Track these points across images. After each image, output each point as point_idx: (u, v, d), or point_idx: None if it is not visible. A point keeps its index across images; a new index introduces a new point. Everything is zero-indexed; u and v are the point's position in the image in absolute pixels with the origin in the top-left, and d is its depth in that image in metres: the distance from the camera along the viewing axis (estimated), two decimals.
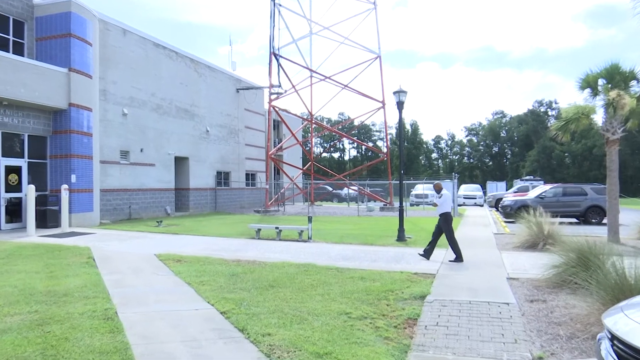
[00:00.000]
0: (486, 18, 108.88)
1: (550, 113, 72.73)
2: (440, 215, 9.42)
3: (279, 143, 33.19)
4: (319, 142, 76.76)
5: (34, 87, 14.56)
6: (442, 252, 9.91)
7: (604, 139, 11.41)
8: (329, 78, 28.15)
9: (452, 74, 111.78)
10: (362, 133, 79.07)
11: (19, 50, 15.66)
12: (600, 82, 11.41)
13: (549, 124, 58.86)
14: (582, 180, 50.71)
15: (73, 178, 15.74)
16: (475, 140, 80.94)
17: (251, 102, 30.05)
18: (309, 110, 31.58)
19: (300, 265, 8.36)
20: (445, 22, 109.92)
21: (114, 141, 18.78)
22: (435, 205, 9.70)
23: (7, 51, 14.99)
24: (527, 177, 41.77)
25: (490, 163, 78.56)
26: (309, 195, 30.72)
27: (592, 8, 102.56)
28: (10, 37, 15.52)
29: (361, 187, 29.68)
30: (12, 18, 15.56)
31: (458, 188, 28.74)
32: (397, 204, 18.29)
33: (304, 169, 32.66)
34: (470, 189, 36.56)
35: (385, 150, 36.43)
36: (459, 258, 9.03)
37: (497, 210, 24.69)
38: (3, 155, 14.56)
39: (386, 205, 27.42)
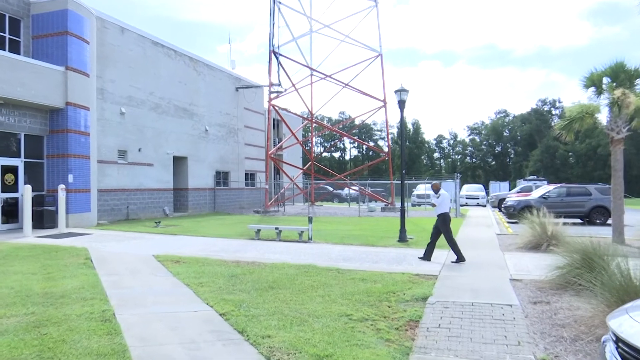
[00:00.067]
0: (489, 15, 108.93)
1: (554, 112, 72.77)
2: (438, 215, 9.42)
3: (278, 142, 33.21)
4: (319, 141, 76.81)
5: (31, 85, 14.56)
6: (444, 254, 9.91)
7: (609, 138, 11.41)
8: (330, 77, 28.15)
9: (455, 73, 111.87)
10: (363, 132, 79.10)
11: (15, 48, 15.66)
12: (605, 80, 11.40)
13: (552, 123, 58.77)
14: (587, 180, 50.69)
15: (70, 178, 15.75)
16: (478, 140, 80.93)
17: (251, 101, 30.06)
18: (309, 109, 31.58)
19: (300, 267, 8.36)
20: (448, 19, 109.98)
21: (111, 141, 18.78)
22: (433, 205, 9.71)
23: (3, 49, 15.00)
24: (531, 177, 41.77)
25: (493, 163, 78.54)
26: (309, 195, 30.72)
27: (596, 5, 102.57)
28: (7, 35, 15.53)
29: (362, 187, 29.68)
30: (8, 16, 15.57)
31: (460, 188, 28.75)
32: (398, 205, 18.29)
33: (304, 168, 32.66)
34: (472, 189, 36.57)
35: (386, 149, 36.40)
36: (460, 258, 9.03)
37: (500, 210, 24.67)
38: None
39: (387, 205, 27.42)
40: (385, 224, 17.60)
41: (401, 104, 12.94)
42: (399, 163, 55.57)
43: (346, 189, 34.60)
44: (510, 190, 37.17)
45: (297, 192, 32.66)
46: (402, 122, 14.09)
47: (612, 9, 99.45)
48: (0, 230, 14.34)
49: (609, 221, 14.55)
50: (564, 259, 6.83)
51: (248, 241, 12.40)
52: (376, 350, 4.33)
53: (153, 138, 21.18)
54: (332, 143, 71.95)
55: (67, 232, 14.09)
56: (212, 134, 26.04)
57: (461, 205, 27.20)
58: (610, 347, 3.05)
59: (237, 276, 7.57)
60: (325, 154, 75.02)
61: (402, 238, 12.18)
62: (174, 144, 22.69)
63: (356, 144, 79.35)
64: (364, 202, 29.47)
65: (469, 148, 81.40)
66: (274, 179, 34.00)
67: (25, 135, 15.33)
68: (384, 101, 28.40)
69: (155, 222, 17.08)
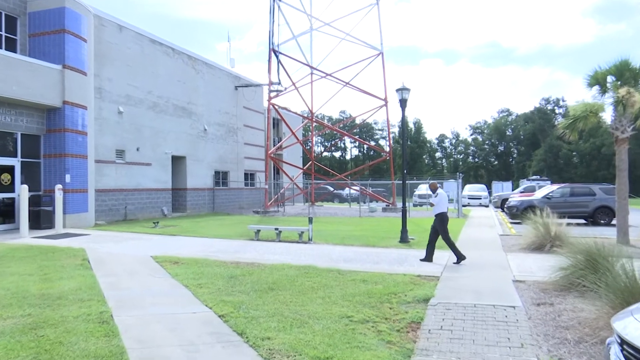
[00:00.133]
0: (491, 13, 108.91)
1: (557, 111, 72.75)
2: (436, 215, 9.45)
3: (278, 142, 33.21)
4: (319, 141, 76.83)
5: (27, 84, 14.57)
6: (446, 254, 9.91)
7: (613, 137, 11.40)
8: (330, 75, 28.15)
9: (457, 71, 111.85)
10: (364, 132, 79.11)
11: (11, 46, 15.67)
12: (609, 79, 11.39)
13: (556, 122, 58.92)
14: (591, 180, 50.67)
15: (67, 178, 15.76)
16: (480, 139, 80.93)
17: (250, 100, 30.07)
18: (309, 108, 31.59)
19: (300, 268, 8.36)
20: (450, 17, 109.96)
21: (109, 140, 18.79)
22: (432, 205, 9.72)
23: (0, 47, 15.00)
24: (534, 177, 41.74)
25: (496, 162, 78.54)
26: (309, 195, 30.72)
27: (600, 3, 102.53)
28: (3, 33, 15.54)
29: (363, 187, 29.68)
30: (4, 13, 15.57)
31: (463, 188, 28.74)
32: (399, 205, 18.29)
33: (304, 168, 32.66)
34: (475, 189, 36.56)
35: (387, 149, 36.39)
36: (460, 257, 9.05)
37: (503, 210, 24.68)
38: None
39: (389, 205, 27.42)
40: (386, 225, 17.60)
41: (402, 102, 12.93)
42: (400, 163, 55.59)
43: (347, 189, 34.60)
44: (513, 190, 37.13)
45: (297, 192, 32.67)
46: (404, 121, 14.09)
47: (616, 6, 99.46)
48: None
49: (614, 221, 14.56)
50: (568, 260, 6.83)
51: (247, 242, 12.40)
52: (377, 352, 4.33)
53: (151, 137, 21.19)
54: (333, 142, 71.96)
55: (64, 233, 14.09)
56: (211, 133, 26.05)
57: (463, 206, 27.17)
58: (615, 350, 3.04)
59: (237, 277, 7.57)
60: (325, 153, 75.03)
61: (404, 239, 12.18)
62: (173, 144, 22.70)
63: (357, 144, 79.35)
64: (364, 203, 29.47)
65: (472, 147, 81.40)
66: (274, 178, 34.01)
67: (22, 134, 15.33)
68: (385, 100, 28.40)
69: (154, 223, 17.09)
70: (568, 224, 10.97)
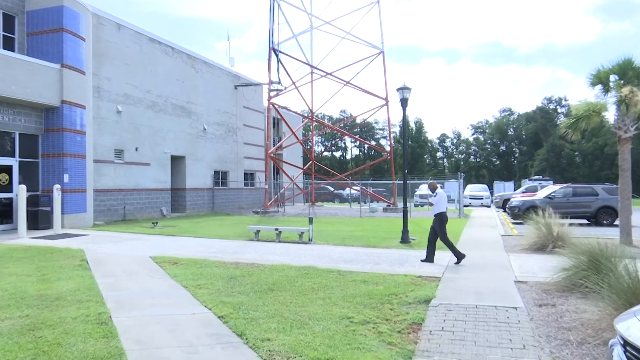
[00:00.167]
0: (493, 12, 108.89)
1: (559, 110, 72.78)
2: (435, 215, 9.46)
3: (278, 141, 33.21)
4: (320, 140, 76.83)
5: (25, 83, 14.57)
6: (447, 255, 9.89)
7: (616, 137, 11.40)
8: (331, 74, 28.15)
9: (458, 70, 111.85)
10: (365, 131, 79.11)
11: (9, 45, 15.67)
12: (612, 78, 11.39)
13: (558, 122, 58.86)
14: (593, 180, 50.69)
15: (66, 178, 15.76)
16: (482, 139, 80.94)
17: (250, 99, 30.08)
18: (309, 108, 31.59)
19: (300, 268, 8.36)
20: (451, 16, 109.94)
21: (108, 140, 18.80)
22: (431, 205, 9.73)
23: None
24: (536, 177, 41.75)
25: (498, 162, 78.55)
26: (309, 195, 30.71)
27: (603, 1, 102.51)
28: (1, 32, 15.54)
29: (363, 187, 29.68)
30: (2, 12, 15.58)
31: (464, 188, 28.74)
32: (400, 205, 18.31)
33: (305, 168, 32.66)
34: (476, 189, 36.55)
35: (388, 149, 36.40)
36: (459, 257, 9.07)
37: (505, 211, 24.68)
38: None
39: (389, 206, 27.42)
40: (387, 225, 17.60)
41: (403, 102, 12.94)
42: (401, 162, 55.58)
43: (347, 189, 34.60)
44: (515, 190, 37.12)
45: (297, 192, 32.67)
46: (405, 121, 14.09)
47: (619, 4, 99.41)
48: None
49: (617, 222, 14.54)
50: (570, 260, 6.83)
51: (247, 242, 12.40)
52: (378, 354, 4.33)
53: (150, 137, 21.19)
54: (333, 142, 71.97)
55: (63, 233, 14.10)
56: (211, 132, 26.05)
57: (465, 206, 27.18)
58: (617, 351, 3.04)
59: (236, 278, 7.57)
60: (326, 153, 75.02)
61: (405, 239, 12.18)
62: (172, 143, 22.71)
63: (357, 143, 79.36)
64: (365, 203, 29.46)
65: (473, 147, 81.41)
66: (274, 178, 34.02)
67: (19, 134, 15.34)
68: (386, 99, 28.40)
69: (153, 223, 17.09)
70: (570, 225, 10.94)
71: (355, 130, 68.33)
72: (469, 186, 37.68)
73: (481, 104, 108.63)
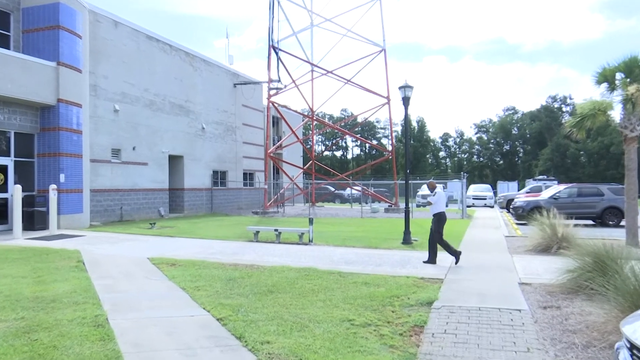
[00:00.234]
0: (497, 9, 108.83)
1: (564, 109, 72.69)
2: (434, 215, 9.48)
3: (278, 141, 33.22)
4: (320, 139, 76.80)
5: (21, 81, 14.58)
6: (450, 256, 9.90)
7: (622, 136, 11.38)
8: (331, 72, 28.15)
9: (461, 68, 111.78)
10: (366, 130, 79.07)
11: (4, 43, 15.68)
12: (618, 76, 11.37)
13: (563, 121, 58.77)
14: (599, 180, 50.62)
15: (62, 178, 15.77)
16: (485, 138, 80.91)
17: (249, 98, 30.09)
18: (309, 107, 31.59)
19: (300, 270, 8.37)
20: (454, 13, 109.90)
21: (104, 139, 18.81)
22: (430, 204, 9.76)
23: None
24: (540, 177, 41.75)
25: (501, 162, 78.51)
26: (309, 195, 30.72)
27: None
28: None
29: (365, 187, 29.68)
30: None
31: (467, 188, 28.73)
32: (402, 205, 18.31)
33: (305, 168, 32.66)
34: (480, 189, 36.57)
35: (390, 148, 36.40)
36: (457, 255, 9.12)
37: (509, 211, 24.67)
38: None
39: (391, 206, 27.43)
40: (388, 226, 17.60)
41: (405, 100, 12.94)
42: (403, 162, 55.49)
43: (348, 189, 34.61)
44: (519, 190, 37.15)
45: (297, 193, 32.68)
46: (407, 120, 14.09)
47: (626, 0, 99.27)
48: None
49: (622, 222, 14.53)
50: (575, 262, 6.82)
51: (246, 243, 12.41)
52: (379, 357, 4.33)
53: (148, 136, 21.20)
54: (334, 141, 71.96)
55: (59, 234, 14.11)
56: (209, 132, 26.06)
57: (468, 206, 27.19)
58: (624, 354, 3.04)
59: (235, 280, 7.58)
60: (326, 152, 75.01)
61: (407, 240, 12.18)
62: (170, 143, 22.71)
63: (358, 143, 79.36)
64: (366, 203, 29.46)
65: (476, 147, 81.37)
66: (274, 178, 34.02)
67: (15, 133, 15.35)
68: (388, 98, 28.40)
69: (150, 224, 17.10)
70: (575, 225, 10.96)
71: (357, 129, 68.30)
72: (472, 186, 37.68)
73: (485, 103, 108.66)
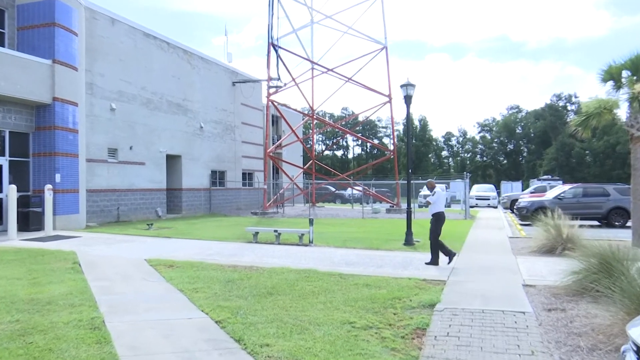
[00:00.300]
0: (500, 5, 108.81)
1: (569, 108, 72.65)
2: (433, 215, 9.51)
3: (278, 140, 33.23)
4: (320, 139, 76.83)
5: (16, 80, 14.59)
6: (453, 258, 9.91)
7: (628, 135, 11.36)
8: (332, 70, 28.16)
9: (464, 66, 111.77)
10: (367, 129, 79.10)
11: None
12: (625, 73, 11.35)
13: (568, 120, 58.74)
14: (604, 180, 50.58)
15: (57, 178, 15.78)
16: (489, 137, 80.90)
17: (248, 97, 30.09)
18: (310, 105, 31.59)
19: (300, 271, 8.37)
20: (456, 10, 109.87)
21: (101, 138, 18.82)
22: (428, 204, 9.78)
23: None
24: (545, 177, 41.75)
25: (505, 161, 78.49)
26: (310, 196, 30.72)
27: None
28: None
29: (366, 188, 29.69)
30: None
31: (470, 188, 28.73)
32: (404, 206, 18.31)
33: (305, 167, 32.67)
34: (483, 189, 36.59)
35: (391, 147, 36.41)
36: (450, 258, 9.22)
37: (512, 212, 24.68)
38: None
39: (393, 206, 27.42)
40: (390, 227, 17.61)
41: (407, 99, 12.94)
42: (404, 162, 55.58)
43: (349, 189, 34.61)
44: (523, 190, 37.12)
45: (297, 193, 32.68)
46: (409, 119, 14.08)
47: None
48: None
49: (629, 223, 14.52)
50: (581, 263, 6.82)
51: (245, 244, 12.41)
52: None
53: (145, 135, 21.21)
54: (334, 141, 71.98)
55: (54, 235, 14.12)
56: (208, 131, 26.07)
57: (471, 207, 27.17)
58: (630, 357, 3.04)
59: (234, 281, 7.58)
60: (327, 152, 75.04)
61: (409, 241, 12.18)
62: (167, 142, 22.72)
63: (360, 142, 79.38)
64: (367, 203, 29.46)
65: (479, 146, 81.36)
66: (273, 178, 34.03)
67: (10, 132, 15.35)
68: (389, 96, 28.40)
69: (148, 224, 17.11)
70: (581, 226, 10.95)
71: (357, 128, 68.35)
72: (475, 186, 37.69)
73: (488, 101, 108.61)
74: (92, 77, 18.41)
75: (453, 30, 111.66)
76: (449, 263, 9.17)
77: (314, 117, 32.92)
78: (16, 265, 9.03)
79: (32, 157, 16.04)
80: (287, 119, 29.34)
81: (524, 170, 71.74)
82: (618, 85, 11.40)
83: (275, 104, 27.57)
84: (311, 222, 12.78)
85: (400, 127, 73.20)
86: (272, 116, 31.89)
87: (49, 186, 14.72)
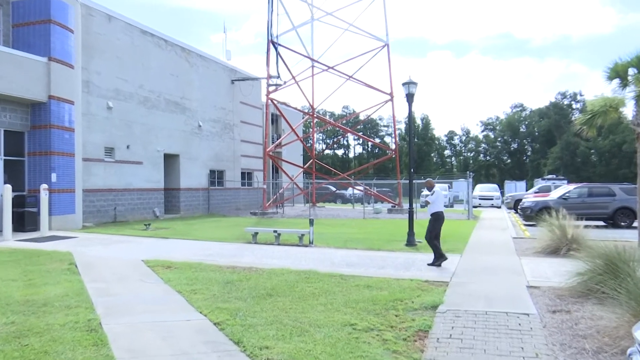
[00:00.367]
0: (505, 2, 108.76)
1: (574, 106, 72.65)
2: (432, 215, 9.54)
3: (277, 139, 33.23)
4: (321, 138, 76.87)
5: (11, 77, 14.59)
6: (456, 258, 9.92)
7: (635, 134, 11.34)
8: (332, 68, 28.15)
9: (467, 64, 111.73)
10: (369, 128, 79.14)
11: None
12: (631, 71, 11.33)
13: (573, 118, 58.74)
14: (610, 180, 50.57)
15: (53, 177, 15.78)
16: (492, 136, 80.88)
17: (247, 95, 30.09)
18: (310, 104, 31.59)
19: (300, 272, 8.38)
20: (460, 6, 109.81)
21: (98, 137, 18.82)
22: (427, 203, 9.80)
23: None
24: (549, 176, 41.76)
25: (509, 161, 78.49)
26: (310, 196, 30.73)
27: None
28: None
29: (367, 187, 29.69)
30: None
31: (473, 188, 28.73)
32: (406, 206, 18.28)
33: (305, 167, 32.67)
34: (486, 189, 36.59)
35: (393, 146, 36.38)
36: (439, 259, 9.21)
37: (516, 212, 24.67)
38: None
39: (394, 206, 27.43)
40: (392, 227, 17.61)
41: (409, 97, 12.94)
42: (406, 161, 55.59)
43: (350, 189, 34.63)
44: (527, 190, 37.16)
45: (297, 193, 32.69)
46: (410, 117, 14.08)
47: None
48: None
49: (635, 224, 14.53)
50: (586, 264, 6.82)
51: (244, 245, 12.42)
52: None
53: (142, 134, 21.22)
54: (335, 140, 71.99)
55: (50, 236, 14.12)
56: (206, 130, 26.08)
57: (474, 207, 27.18)
58: None
59: (233, 283, 7.59)
60: (327, 151, 75.06)
61: (410, 242, 12.18)
62: (165, 141, 22.73)
63: (361, 141, 79.39)
64: (369, 203, 29.47)
65: (483, 145, 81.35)
66: (273, 178, 34.04)
67: (4, 131, 15.35)
68: (391, 95, 28.39)
69: (145, 225, 17.11)
70: (586, 227, 10.96)
71: (359, 127, 68.35)
72: (479, 186, 37.70)
73: (491, 100, 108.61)
74: (89, 75, 18.42)
75: (456, 27, 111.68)
76: (429, 264, 9.21)
77: (314, 115, 32.92)
78: (11, 266, 9.04)
79: (28, 157, 16.05)
80: (287, 117, 29.35)
81: (528, 170, 71.73)
82: (624, 83, 11.39)
83: (275, 102, 27.57)
84: (311, 222, 12.78)
85: (402, 126, 73.06)
86: (272, 115, 31.90)
87: (44, 186, 14.72)
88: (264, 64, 27.34)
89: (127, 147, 20.32)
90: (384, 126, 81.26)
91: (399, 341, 4.93)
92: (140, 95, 21.18)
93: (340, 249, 11.72)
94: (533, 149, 76.02)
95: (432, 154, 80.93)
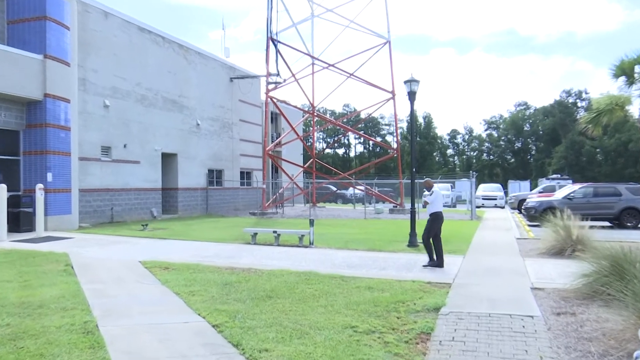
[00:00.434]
0: None
1: (579, 104, 72.62)
2: (431, 215, 9.56)
3: (277, 138, 33.24)
4: (321, 136, 76.90)
5: (6, 75, 14.59)
6: (458, 260, 9.92)
7: None
8: (333, 66, 28.16)
9: (470, 61, 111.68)
10: (370, 127, 79.15)
11: None
12: (637, 68, 11.33)
13: (578, 117, 58.68)
14: (616, 179, 50.55)
15: (49, 177, 15.79)
16: (496, 135, 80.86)
17: (246, 93, 30.10)
18: (310, 102, 31.60)
19: (300, 274, 8.38)
20: (463, 2, 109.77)
21: (94, 136, 18.83)
22: (426, 203, 9.82)
23: None
24: (554, 176, 41.70)
25: (513, 160, 78.46)
26: (310, 195, 30.73)
27: None
28: None
29: (368, 187, 29.69)
30: None
31: (476, 188, 28.73)
32: (408, 206, 18.28)
33: (305, 166, 32.68)
34: (489, 188, 36.59)
35: (395, 145, 36.38)
36: (432, 261, 9.27)
37: (520, 212, 24.67)
38: None
39: (396, 207, 27.43)
40: (393, 227, 17.61)
41: (411, 95, 12.94)
42: (408, 160, 55.58)
43: (351, 188, 34.62)
44: (531, 190, 37.12)
45: (297, 192, 32.70)
46: (412, 116, 14.08)
47: None
48: None
49: None
50: (591, 265, 6.82)
51: (243, 246, 12.42)
52: None
53: (140, 133, 21.23)
54: (336, 138, 72.02)
55: (46, 236, 14.13)
56: (204, 128, 26.08)
57: (477, 207, 27.19)
58: None
59: (232, 284, 7.59)
60: (328, 150, 75.07)
61: (413, 242, 12.18)
62: (163, 140, 22.74)
63: (362, 140, 79.38)
64: (370, 203, 29.48)
65: (486, 144, 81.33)
66: (272, 177, 34.06)
67: None
68: (393, 93, 28.39)
69: (142, 225, 17.13)
70: (591, 227, 10.94)
71: (360, 125, 68.36)
72: (482, 186, 37.71)
73: (495, 98, 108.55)
74: (85, 73, 18.43)
75: (459, 23, 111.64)
76: (424, 265, 9.25)
77: (315, 114, 32.92)
78: (6, 268, 9.04)
79: (23, 156, 16.06)
80: (286, 116, 29.36)
81: (532, 169, 71.69)
82: (630, 81, 11.38)
83: (275, 100, 27.58)
84: (312, 222, 12.79)
85: (404, 125, 73.20)
86: (271, 113, 31.93)
87: (40, 185, 14.73)
88: (263, 62, 27.38)
89: (124, 146, 20.33)
90: (386, 125, 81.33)
91: (401, 344, 4.93)
92: (138, 93, 21.19)
93: (341, 249, 11.73)
94: (537, 148, 75.99)
95: (435, 153, 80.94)
